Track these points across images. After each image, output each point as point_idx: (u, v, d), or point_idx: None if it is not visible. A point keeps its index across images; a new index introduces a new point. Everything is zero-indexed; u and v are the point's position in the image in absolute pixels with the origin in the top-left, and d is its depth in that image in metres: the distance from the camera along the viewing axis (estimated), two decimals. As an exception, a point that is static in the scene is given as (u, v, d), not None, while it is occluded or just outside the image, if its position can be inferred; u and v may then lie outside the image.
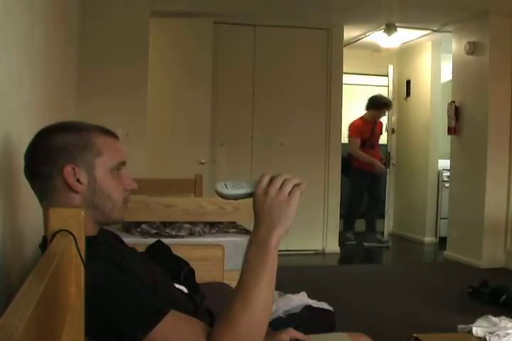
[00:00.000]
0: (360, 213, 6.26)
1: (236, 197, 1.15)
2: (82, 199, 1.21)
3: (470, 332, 2.17)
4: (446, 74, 6.21)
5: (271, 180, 1.10)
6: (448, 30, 5.58)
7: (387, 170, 6.41)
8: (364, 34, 6.00)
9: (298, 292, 2.65)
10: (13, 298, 0.63)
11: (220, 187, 1.14)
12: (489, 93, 5.00)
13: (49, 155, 1.20)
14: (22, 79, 1.63)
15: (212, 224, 3.05)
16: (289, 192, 1.09)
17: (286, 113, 5.63)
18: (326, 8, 5.15)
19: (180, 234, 2.91)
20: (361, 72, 6.95)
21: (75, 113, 3.78)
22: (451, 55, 5.59)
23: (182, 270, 1.59)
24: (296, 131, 5.66)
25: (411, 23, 5.53)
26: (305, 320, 2.37)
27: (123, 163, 1.27)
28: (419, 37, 6.11)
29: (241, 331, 1.04)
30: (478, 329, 2.15)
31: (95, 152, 1.22)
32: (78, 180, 1.20)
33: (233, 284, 1.16)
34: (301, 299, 2.55)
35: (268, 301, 1.08)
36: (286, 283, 3.07)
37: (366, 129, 6.14)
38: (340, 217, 6.00)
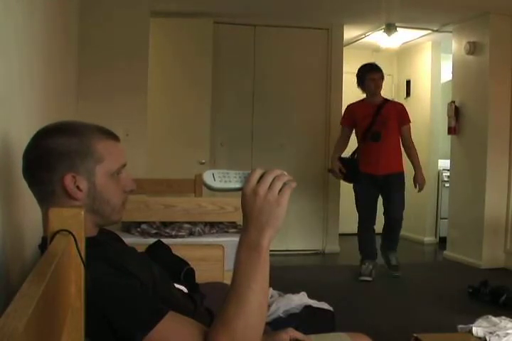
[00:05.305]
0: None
1: (223, 191, 1.10)
2: (81, 205, 1.20)
3: (470, 332, 2.16)
4: (446, 74, 6.21)
5: (261, 177, 1.06)
6: (448, 30, 5.59)
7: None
8: (364, 34, 6.00)
9: (298, 292, 2.65)
10: (13, 297, 0.63)
11: (208, 178, 1.08)
12: (489, 93, 4.99)
13: (49, 161, 1.18)
14: (22, 79, 1.63)
15: (212, 224, 3.05)
16: (279, 191, 1.06)
17: (287, 113, 5.63)
18: (326, 8, 5.15)
19: (180, 234, 2.91)
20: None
21: (75, 113, 3.78)
22: (451, 55, 5.59)
23: (182, 270, 1.58)
24: (297, 132, 5.67)
25: (411, 23, 5.53)
26: (305, 320, 2.37)
27: (123, 166, 1.27)
28: (419, 37, 6.11)
29: (237, 335, 1.04)
30: (478, 329, 2.15)
31: (96, 158, 1.20)
32: (78, 187, 1.19)
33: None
34: (301, 299, 2.56)
35: (262, 303, 1.08)
36: (286, 283, 3.08)
37: (363, 114, 4.57)
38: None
